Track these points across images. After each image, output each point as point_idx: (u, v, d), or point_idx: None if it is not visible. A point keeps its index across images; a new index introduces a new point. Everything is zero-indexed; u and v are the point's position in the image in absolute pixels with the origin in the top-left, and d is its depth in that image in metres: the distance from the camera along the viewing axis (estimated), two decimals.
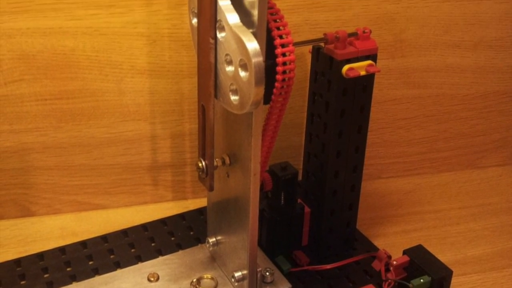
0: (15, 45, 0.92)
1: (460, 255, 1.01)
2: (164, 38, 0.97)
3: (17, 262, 0.92)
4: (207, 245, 0.91)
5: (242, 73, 0.64)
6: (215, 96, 0.72)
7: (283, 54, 0.68)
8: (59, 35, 0.93)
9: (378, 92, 1.09)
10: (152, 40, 0.97)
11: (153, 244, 0.97)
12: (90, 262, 0.93)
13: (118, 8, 0.94)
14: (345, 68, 0.82)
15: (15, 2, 0.90)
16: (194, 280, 0.87)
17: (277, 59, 0.68)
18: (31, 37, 0.92)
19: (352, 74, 0.81)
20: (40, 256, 0.93)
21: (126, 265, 0.91)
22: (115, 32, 0.95)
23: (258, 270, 0.82)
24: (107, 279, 0.88)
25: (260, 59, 0.62)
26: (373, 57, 0.85)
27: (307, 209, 0.94)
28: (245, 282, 0.82)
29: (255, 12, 0.64)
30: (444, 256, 0.94)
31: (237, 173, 0.77)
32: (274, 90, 0.70)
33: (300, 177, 0.94)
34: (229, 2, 0.66)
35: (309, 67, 0.89)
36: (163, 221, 1.02)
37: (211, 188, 0.79)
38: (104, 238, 0.98)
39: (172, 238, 0.99)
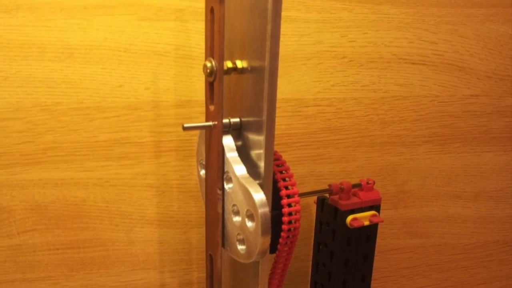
0: (28, 196, 0.94)
1: None
2: (173, 189, 0.99)
3: None
4: None
5: (249, 223, 0.66)
6: (223, 245, 0.73)
7: (289, 205, 0.69)
8: (71, 186, 0.95)
9: (381, 242, 1.10)
10: (161, 191, 0.99)
11: None
12: None
13: (128, 160, 0.96)
14: (349, 218, 0.83)
15: (27, 153, 0.92)
16: None
17: (283, 210, 0.69)
18: (43, 188, 0.94)
19: (356, 224, 0.83)
20: None
21: None
22: (125, 183, 0.97)
23: None
24: None
25: (266, 209, 0.64)
26: (376, 207, 0.86)
27: None
28: None
29: (261, 164, 0.66)
30: None
31: None
32: (280, 240, 0.71)
33: None
34: (236, 154, 0.69)
35: (314, 217, 0.91)
36: None
37: None
38: None
39: None
